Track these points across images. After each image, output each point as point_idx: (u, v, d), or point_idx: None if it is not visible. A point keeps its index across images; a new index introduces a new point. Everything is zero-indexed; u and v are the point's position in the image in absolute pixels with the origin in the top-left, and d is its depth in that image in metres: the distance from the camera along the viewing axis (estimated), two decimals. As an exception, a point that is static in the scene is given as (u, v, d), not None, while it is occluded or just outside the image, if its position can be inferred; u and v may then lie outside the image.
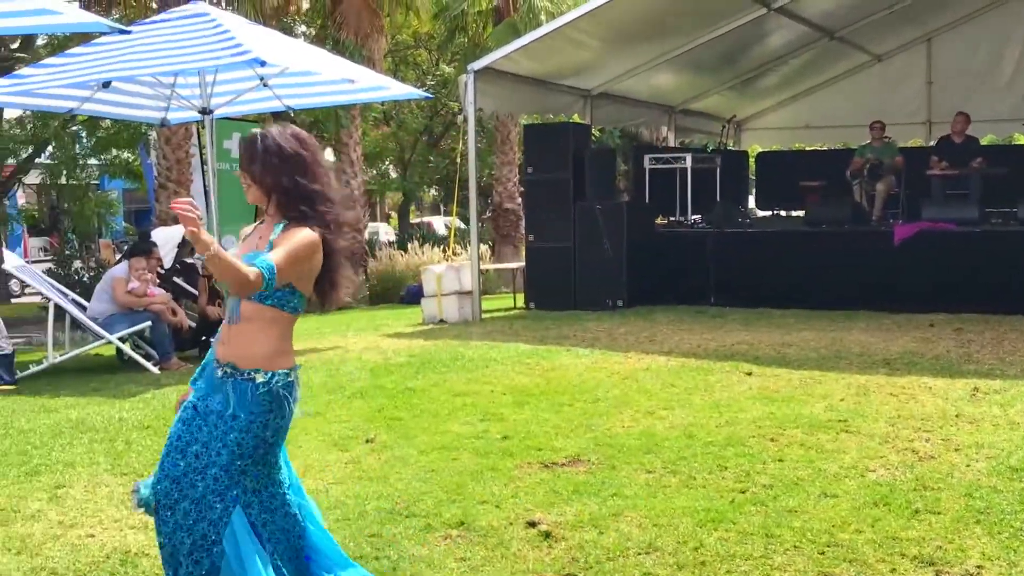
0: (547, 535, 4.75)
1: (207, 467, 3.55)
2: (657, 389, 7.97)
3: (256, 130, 3.69)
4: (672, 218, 15.70)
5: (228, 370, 3.57)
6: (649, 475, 5.65)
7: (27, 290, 22.24)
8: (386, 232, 35.02)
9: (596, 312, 13.02)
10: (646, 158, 15.84)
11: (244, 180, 3.69)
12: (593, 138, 17.11)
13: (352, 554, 4.55)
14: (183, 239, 12.02)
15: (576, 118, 15.80)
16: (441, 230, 32.91)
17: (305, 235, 3.56)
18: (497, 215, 21.76)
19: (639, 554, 4.51)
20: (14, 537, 4.98)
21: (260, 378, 3.55)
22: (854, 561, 4.36)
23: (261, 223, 3.78)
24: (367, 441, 6.62)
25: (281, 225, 3.62)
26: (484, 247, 19.42)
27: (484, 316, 13.29)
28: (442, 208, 43.46)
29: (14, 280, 22.14)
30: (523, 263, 14.86)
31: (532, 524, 4.89)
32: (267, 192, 3.64)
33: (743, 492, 5.29)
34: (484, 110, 14.75)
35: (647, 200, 15.50)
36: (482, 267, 14.61)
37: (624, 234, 13.46)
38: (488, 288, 16.95)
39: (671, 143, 19.12)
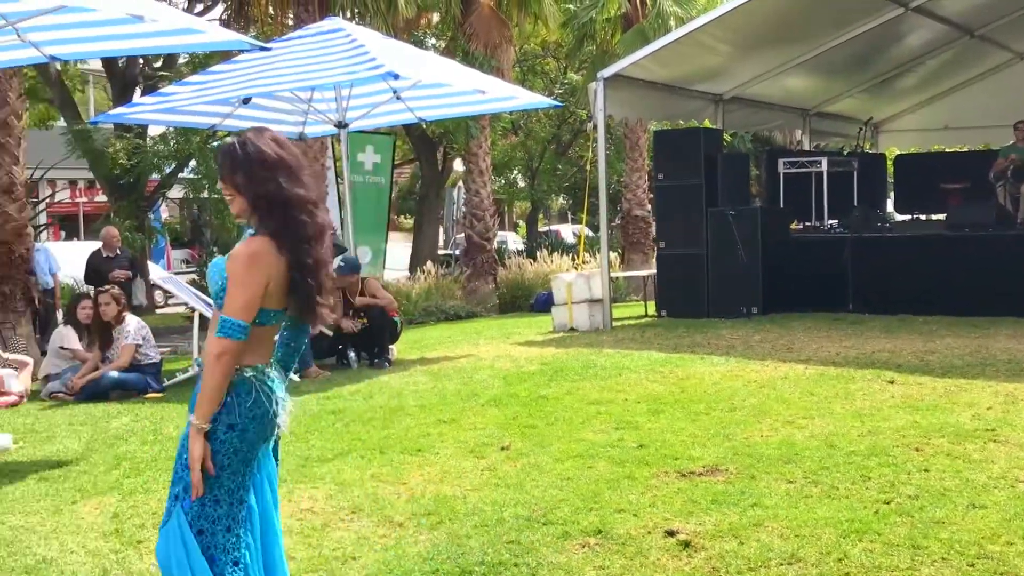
0: (686, 544, 4.70)
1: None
2: (796, 398, 7.82)
3: (231, 138, 3.54)
4: (807, 223, 15.40)
5: None
6: (790, 485, 5.54)
7: (171, 300, 23.04)
8: (514, 241, 35.23)
9: (730, 320, 12.84)
10: (780, 162, 15.58)
11: (227, 192, 3.49)
12: (724, 143, 16.90)
13: (491, 560, 4.59)
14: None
15: (707, 123, 15.63)
16: (569, 238, 32.93)
17: (239, 256, 3.38)
18: (626, 222, 21.66)
19: (781, 565, 4.43)
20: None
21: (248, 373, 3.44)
22: (1005, 574, 4.21)
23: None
24: (502, 448, 6.65)
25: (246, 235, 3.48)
26: (613, 255, 19.35)
27: (615, 324, 13.25)
28: (570, 216, 43.49)
29: (159, 291, 22.95)
30: (653, 270, 14.75)
31: (671, 533, 4.85)
32: (252, 202, 3.45)
33: (888, 503, 5.15)
34: (613, 117, 14.72)
35: (781, 205, 15.24)
36: (612, 275, 14.56)
37: (758, 240, 13.25)
38: (618, 296, 16.88)
39: (806, 146, 18.77)
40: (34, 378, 10.55)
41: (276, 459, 3.73)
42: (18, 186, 12.49)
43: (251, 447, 3.46)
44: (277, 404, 3.50)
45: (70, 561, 4.92)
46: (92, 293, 10.82)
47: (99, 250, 14.14)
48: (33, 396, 10.09)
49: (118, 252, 14.13)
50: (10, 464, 7.11)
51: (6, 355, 10.58)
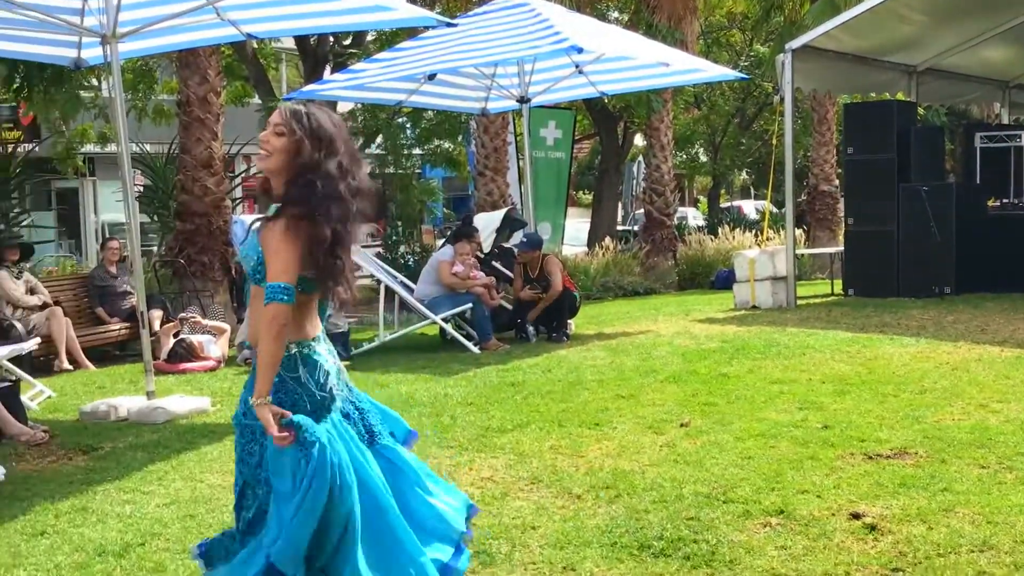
0: (872, 528, 4.57)
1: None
2: (990, 380, 7.49)
3: (299, 106, 3.52)
4: (1005, 200, 14.69)
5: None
6: (982, 470, 5.31)
7: (357, 273, 23.69)
8: (695, 216, 34.77)
9: (921, 299, 12.39)
10: (977, 136, 14.89)
11: (267, 147, 3.48)
12: (918, 116, 16.25)
13: (670, 536, 4.57)
14: (501, 224, 12.43)
15: (900, 96, 15.06)
16: (752, 214, 32.28)
17: (277, 235, 3.37)
18: (813, 198, 21.10)
19: (972, 551, 4.26)
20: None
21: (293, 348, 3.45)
22: None
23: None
24: (682, 425, 6.60)
25: (273, 209, 3.48)
26: (798, 231, 18.89)
27: (799, 303, 12.96)
28: (752, 192, 42.65)
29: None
30: (840, 248, 14.35)
31: (856, 516, 4.72)
32: (288, 164, 3.47)
33: (1092, 494, 4.89)
34: (802, 89, 14.34)
35: (977, 181, 14.57)
36: (797, 252, 14.23)
37: (952, 217, 12.74)
38: (802, 274, 16.48)
39: (1004, 120, 17.87)
40: (231, 344, 11.06)
41: (375, 430, 3.72)
42: (216, 160, 13.06)
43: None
44: (325, 376, 3.50)
45: (263, 519, 5.12)
46: None
47: None
48: (230, 361, 10.58)
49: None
50: (209, 425, 7.47)
51: (205, 321, 11.10)
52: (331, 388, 3.53)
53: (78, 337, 10.75)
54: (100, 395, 8.65)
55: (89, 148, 23.85)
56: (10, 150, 19.71)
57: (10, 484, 5.99)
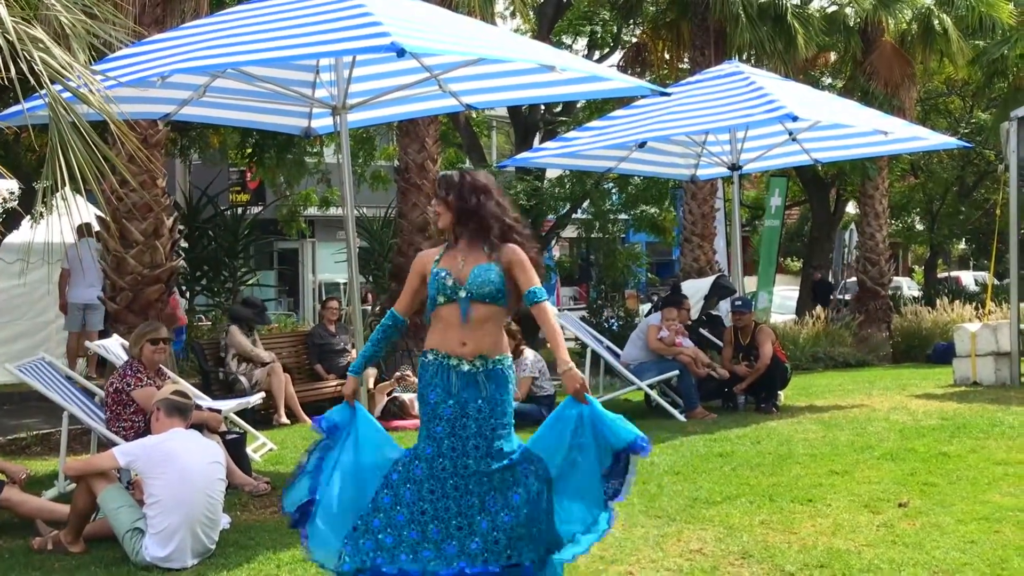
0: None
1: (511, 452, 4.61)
2: None
3: (450, 172, 4.79)
4: None
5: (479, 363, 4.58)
6: None
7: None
8: (909, 287, 33.57)
9: None
10: None
11: (439, 208, 4.66)
12: None
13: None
14: (709, 291, 12.34)
15: None
16: (971, 285, 30.91)
17: (521, 253, 4.61)
18: (1038, 270, 20.08)
19: None
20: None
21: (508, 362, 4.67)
22: None
23: (447, 245, 4.74)
24: (900, 505, 6.37)
25: (487, 245, 4.62)
26: (1022, 304, 17.97)
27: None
28: (971, 262, 40.89)
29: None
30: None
31: (1094, 612, 4.44)
32: (460, 218, 4.64)
33: None
34: (1028, 158, 13.71)
35: None
36: (1021, 326, 13.52)
37: None
38: (1028, 350, 15.62)
39: None
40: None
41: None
42: (432, 226, 13.48)
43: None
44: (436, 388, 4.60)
45: None
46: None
47: None
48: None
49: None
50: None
51: (413, 377, 11.40)
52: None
53: (296, 392, 11.21)
54: (317, 449, 8.96)
55: (311, 211, 25.04)
56: (239, 213, 20.86)
57: (235, 532, 6.29)
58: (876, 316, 18.42)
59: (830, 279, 24.23)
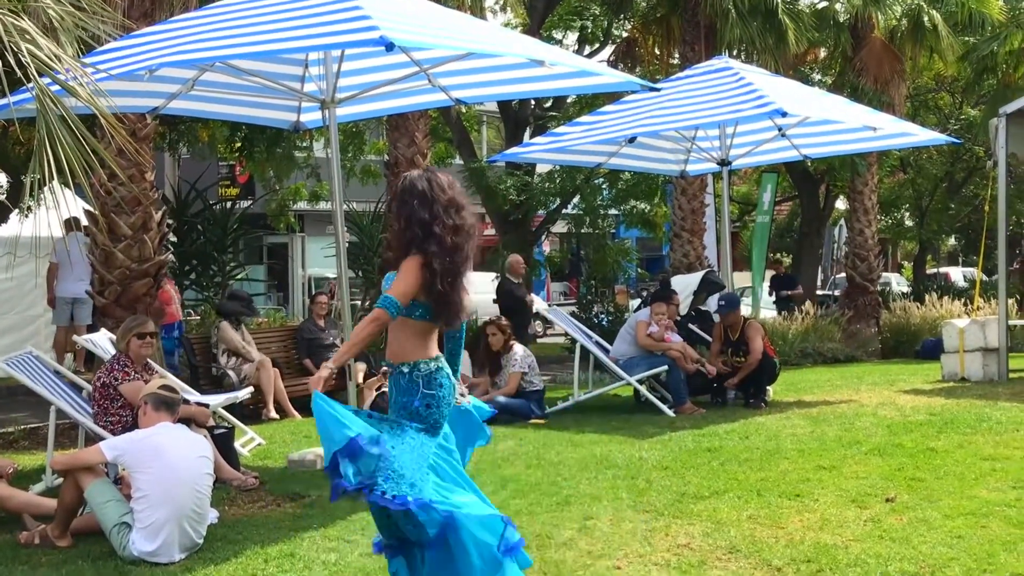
0: (1098, 621, 4.31)
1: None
2: None
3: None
4: None
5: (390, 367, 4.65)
6: None
7: (548, 331, 23.89)
8: (899, 282, 33.65)
9: None
10: None
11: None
12: None
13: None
14: (698, 286, 12.35)
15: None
16: (960, 281, 31.00)
17: (407, 263, 4.52)
18: (1026, 267, 20.17)
19: None
20: (549, 562, 5.37)
21: (405, 369, 4.59)
22: None
23: None
24: (887, 500, 6.39)
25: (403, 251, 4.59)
26: (1011, 301, 18.04)
27: (1011, 375, 12.34)
28: (960, 258, 41.00)
29: (537, 321, 23.86)
30: (1058, 319, 13.61)
31: (1079, 607, 4.46)
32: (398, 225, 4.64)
33: None
34: (1017, 155, 13.77)
35: None
36: (1010, 322, 13.57)
37: None
38: (1015, 345, 15.68)
39: None
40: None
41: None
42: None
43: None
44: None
45: None
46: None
47: (508, 277, 14.41)
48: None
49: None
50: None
51: None
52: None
53: (285, 387, 11.20)
54: (306, 444, 8.97)
55: (300, 205, 25.00)
56: (228, 207, 20.82)
57: (223, 527, 6.28)
58: (865, 312, 18.45)
59: (819, 274, 24.29)
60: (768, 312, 19.82)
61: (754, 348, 10.70)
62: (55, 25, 5.94)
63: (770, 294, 21.02)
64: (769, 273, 22.05)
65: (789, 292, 20.61)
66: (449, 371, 4.67)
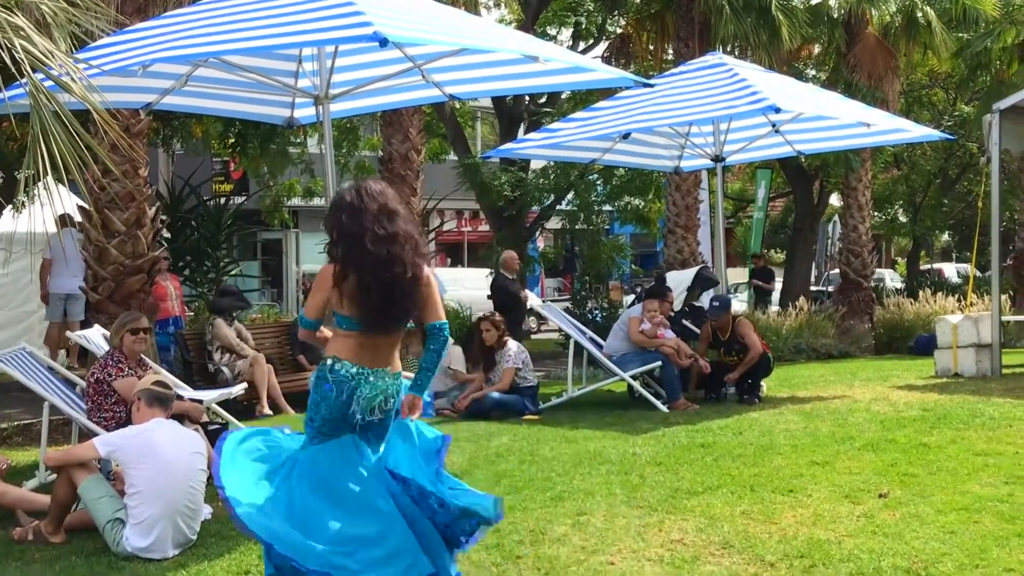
0: (1089, 616, 4.33)
1: None
2: None
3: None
4: None
5: None
6: None
7: (542, 327, 23.91)
8: (892, 278, 33.72)
9: None
10: None
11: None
12: None
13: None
14: (692, 282, 12.36)
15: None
16: (953, 277, 31.07)
17: (316, 277, 4.69)
18: (1019, 262, 20.18)
19: None
20: (543, 558, 5.37)
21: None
22: None
23: None
24: (880, 496, 6.40)
25: None
26: (1004, 296, 18.07)
27: (1004, 371, 12.38)
28: (954, 254, 41.09)
29: (531, 317, 23.87)
30: (1051, 315, 13.65)
31: (1070, 602, 4.48)
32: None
33: None
34: (1010, 151, 13.80)
35: None
36: (1003, 318, 13.61)
37: None
38: (1008, 341, 15.71)
39: None
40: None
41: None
42: (415, 215, 13.46)
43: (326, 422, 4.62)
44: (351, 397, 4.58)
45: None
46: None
47: (502, 272, 14.41)
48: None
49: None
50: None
51: (406, 373, 11.36)
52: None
53: (279, 383, 11.19)
54: (300, 440, 8.95)
55: (294, 201, 24.98)
56: (222, 203, 20.80)
57: (216, 523, 6.27)
58: (859, 308, 18.48)
59: (814, 269, 24.32)
60: (740, 305, 19.84)
61: (752, 342, 10.71)
62: (48, 21, 5.93)
63: (749, 287, 21.20)
64: (750, 266, 22.21)
65: (759, 282, 20.73)
66: (363, 378, 4.66)
